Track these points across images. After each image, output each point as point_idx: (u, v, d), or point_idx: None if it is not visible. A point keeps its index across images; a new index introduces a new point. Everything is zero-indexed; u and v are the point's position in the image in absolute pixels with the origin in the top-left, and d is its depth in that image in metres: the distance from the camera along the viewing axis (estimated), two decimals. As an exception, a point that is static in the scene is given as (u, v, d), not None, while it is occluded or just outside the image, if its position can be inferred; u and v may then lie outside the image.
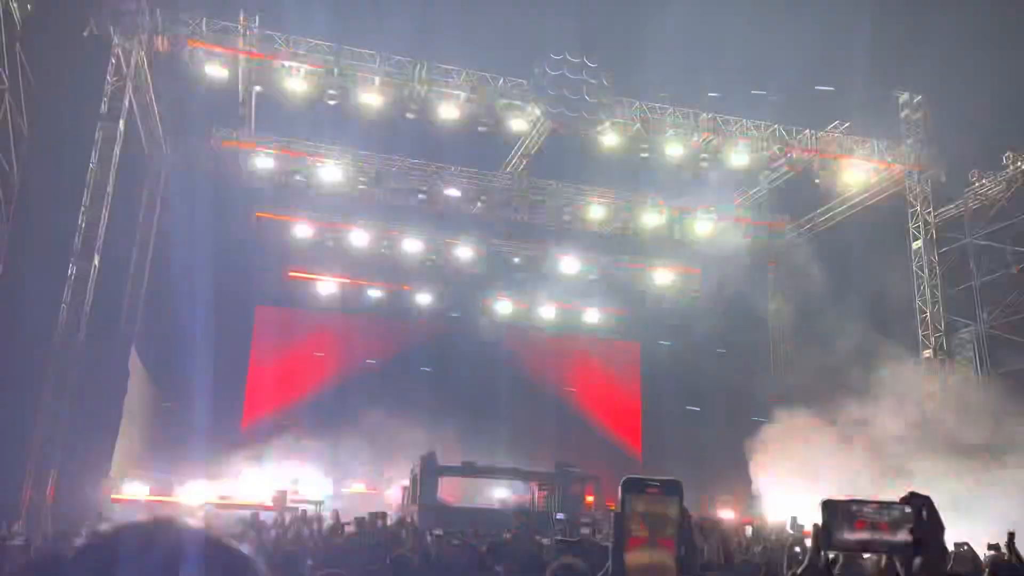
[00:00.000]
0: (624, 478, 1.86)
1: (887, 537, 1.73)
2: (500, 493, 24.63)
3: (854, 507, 1.80)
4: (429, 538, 16.15)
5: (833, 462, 19.68)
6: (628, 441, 30.21)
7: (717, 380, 25.63)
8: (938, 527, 1.78)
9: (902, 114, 22.78)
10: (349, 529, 13.28)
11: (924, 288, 22.16)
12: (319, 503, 20.19)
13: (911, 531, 1.72)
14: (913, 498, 1.83)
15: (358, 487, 23.43)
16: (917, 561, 1.73)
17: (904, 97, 22.79)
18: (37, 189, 17.20)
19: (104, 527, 1.00)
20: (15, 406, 15.84)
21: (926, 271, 22.28)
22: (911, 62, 22.89)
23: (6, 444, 15.50)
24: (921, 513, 1.77)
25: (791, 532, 17.56)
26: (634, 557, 1.76)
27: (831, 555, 1.84)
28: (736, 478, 22.29)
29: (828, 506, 1.80)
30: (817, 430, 20.41)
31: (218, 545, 0.99)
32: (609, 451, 27.78)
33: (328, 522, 13.92)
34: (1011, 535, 11.73)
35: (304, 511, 15.83)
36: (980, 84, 21.44)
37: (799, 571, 1.76)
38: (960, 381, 21.39)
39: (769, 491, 21.17)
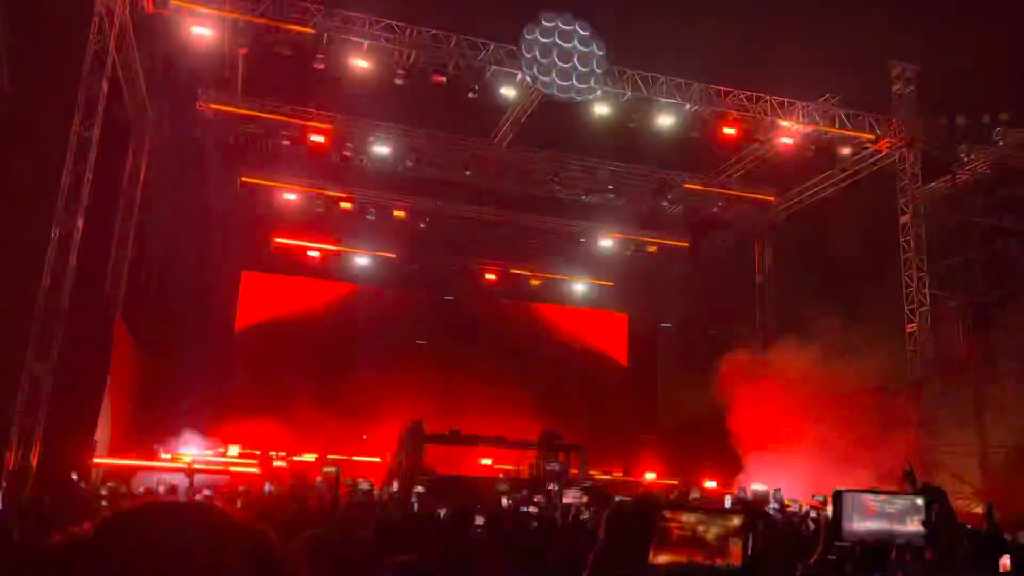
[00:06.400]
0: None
1: (898, 527, 1.68)
2: (485, 462, 24.74)
3: (864, 497, 1.75)
4: (413, 498, 16.28)
5: (813, 434, 19.85)
6: (614, 411, 30.36)
7: (704, 351, 25.74)
8: (951, 520, 1.74)
9: (894, 87, 22.69)
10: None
11: (911, 262, 22.24)
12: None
13: (922, 523, 1.66)
14: (926, 490, 1.78)
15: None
16: (928, 553, 1.68)
17: (896, 69, 22.67)
18: (19, 150, 16.90)
19: (122, 508, 0.93)
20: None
21: (912, 245, 22.34)
22: (903, 33, 22.74)
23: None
24: (933, 506, 1.72)
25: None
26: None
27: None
28: (725, 448, 22.47)
29: (838, 496, 1.74)
30: (798, 398, 20.56)
31: (243, 530, 0.93)
32: (594, 422, 27.91)
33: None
34: (990, 506, 11.92)
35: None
36: (972, 57, 21.33)
37: (812, 561, 1.71)
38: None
39: (754, 462, 21.35)
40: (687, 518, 1.52)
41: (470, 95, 20.74)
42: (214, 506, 0.99)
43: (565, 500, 18.65)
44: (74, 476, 15.59)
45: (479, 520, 9.31)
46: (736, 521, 1.49)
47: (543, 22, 20.12)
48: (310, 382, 24.82)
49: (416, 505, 15.63)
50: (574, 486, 19.73)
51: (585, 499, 18.07)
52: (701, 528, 1.47)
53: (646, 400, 30.77)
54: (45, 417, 15.62)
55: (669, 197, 26.33)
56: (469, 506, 9.05)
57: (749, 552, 1.49)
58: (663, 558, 1.53)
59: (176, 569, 0.87)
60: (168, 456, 21.02)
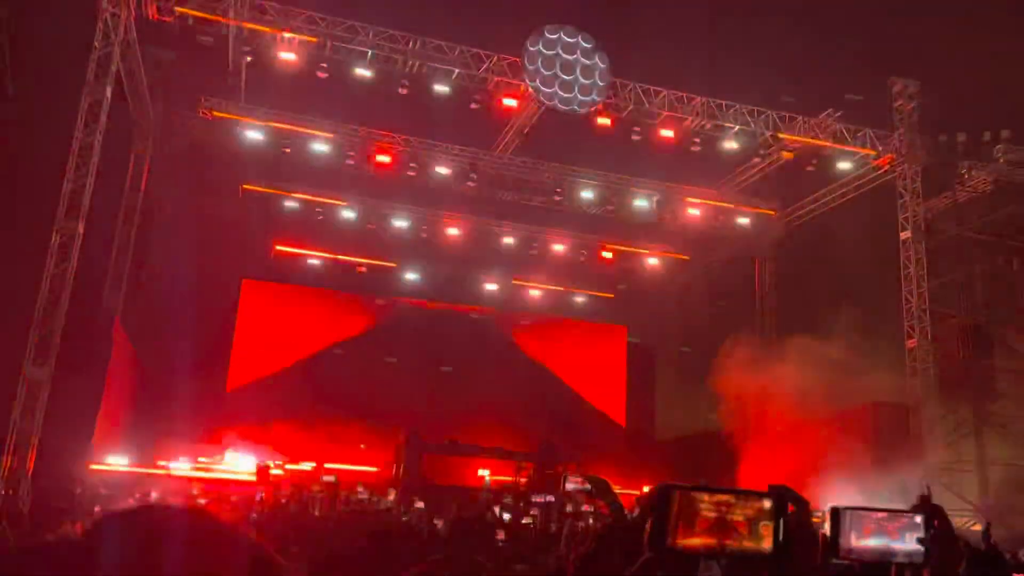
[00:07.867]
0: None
1: (896, 545, 1.66)
2: (482, 472, 24.69)
3: (862, 514, 1.72)
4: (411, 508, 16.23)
5: (811, 449, 19.80)
6: (613, 423, 30.30)
7: (703, 364, 25.70)
8: (949, 537, 1.71)
9: (895, 103, 22.72)
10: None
11: (911, 278, 22.22)
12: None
13: (920, 540, 1.64)
14: (924, 506, 1.75)
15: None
16: (926, 572, 1.66)
17: (897, 86, 22.71)
18: (22, 154, 16.94)
19: (112, 509, 0.92)
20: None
21: (913, 261, 22.33)
22: (905, 50, 22.82)
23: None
24: (931, 522, 1.70)
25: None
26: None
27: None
28: (722, 461, 22.40)
29: (836, 513, 1.72)
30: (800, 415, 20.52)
31: (231, 534, 0.93)
32: (593, 433, 27.85)
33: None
34: (988, 525, 11.86)
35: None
36: (973, 75, 21.41)
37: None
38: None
39: (750, 475, 21.26)
40: (716, 500, 1.50)
41: (473, 105, 20.78)
42: (203, 510, 0.99)
43: (568, 486, 18.57)
44: (78, 491, 15.52)
45: (500, 535, 9.31)
46: (767, 504, 1.47)
47: (546, 34, 20.20)
48: (308, 390, 24.76)
49: (414, 518, 15.57)
50: (576, 476, 19.64)
51: (588, 486, 17.97)
52: (731, 511, 1.46)
53: (644, 412, 30.68)
54: (42, 422, 15.59)
55: (670, 209, 26.34)
56: (474, 517, 9.06)
57: (780, 536, 1.48)
58: (693, 541, 1.50)
59: (165, 571, 0.86)
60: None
